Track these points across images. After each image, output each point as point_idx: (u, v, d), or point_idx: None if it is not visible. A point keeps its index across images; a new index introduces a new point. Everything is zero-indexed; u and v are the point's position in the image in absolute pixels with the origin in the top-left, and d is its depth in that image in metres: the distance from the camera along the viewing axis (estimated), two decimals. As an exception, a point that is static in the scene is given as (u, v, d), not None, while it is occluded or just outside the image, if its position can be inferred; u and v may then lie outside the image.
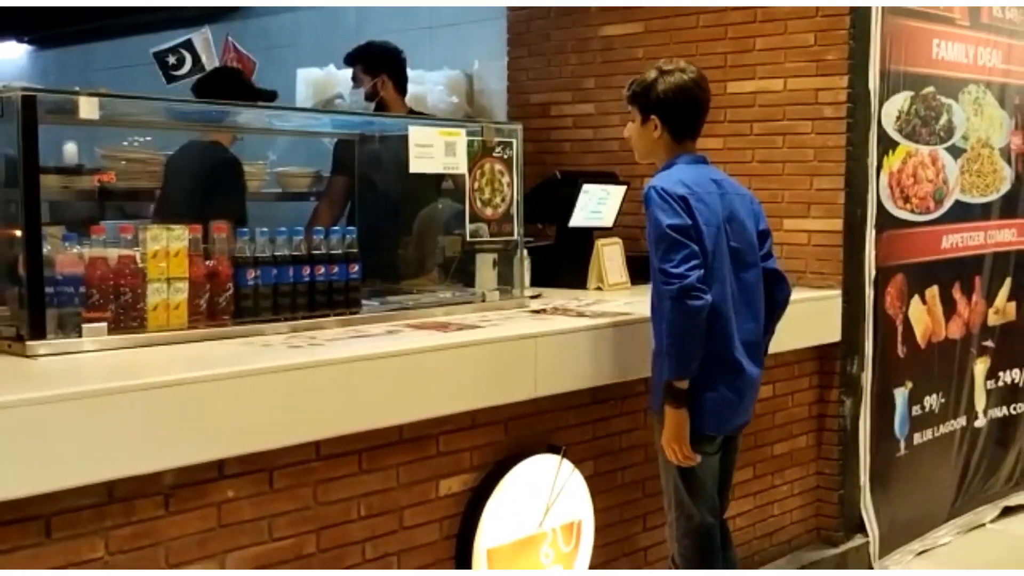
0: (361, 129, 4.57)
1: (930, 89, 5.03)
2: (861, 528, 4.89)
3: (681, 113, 3.45)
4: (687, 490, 3.45)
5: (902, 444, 5.05)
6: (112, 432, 2.46)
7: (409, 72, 5.90)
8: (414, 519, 3.28)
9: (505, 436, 3.53)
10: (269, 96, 4.85)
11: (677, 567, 3.55)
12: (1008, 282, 5.64)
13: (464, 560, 3.38)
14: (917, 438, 5.13)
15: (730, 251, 3.42)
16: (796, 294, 4.43)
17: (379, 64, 5.19)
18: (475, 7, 6.13)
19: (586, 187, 4.84)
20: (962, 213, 5.27)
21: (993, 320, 5.57)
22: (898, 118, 4.88)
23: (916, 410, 5.11)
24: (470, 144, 3.87)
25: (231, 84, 4.77)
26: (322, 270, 3.42)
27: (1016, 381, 5.76)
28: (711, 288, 3.28)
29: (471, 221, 3.91)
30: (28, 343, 2.82)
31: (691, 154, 3.50)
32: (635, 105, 3.51)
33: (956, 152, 5.23)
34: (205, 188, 4.43)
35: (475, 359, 3.28)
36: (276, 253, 3.33)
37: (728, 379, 3.40)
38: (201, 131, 4.53)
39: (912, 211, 5.01)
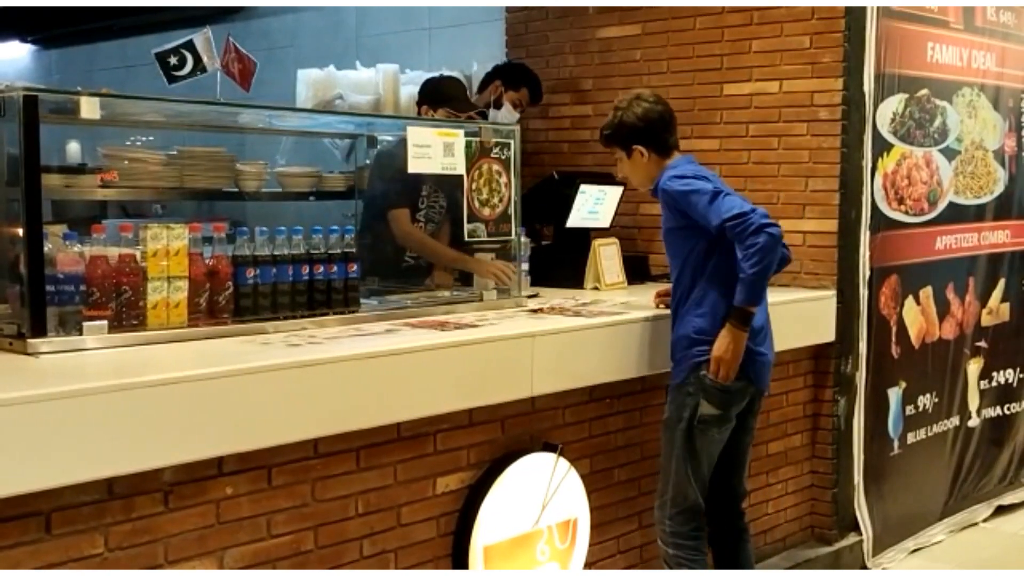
0: (365, 130, 4.56)
1: (924, 91, 5.06)
2: (855, 527, 4.92)
3: (656, 131, 3.68)
4: (689, 469, 3.60)
5: (896, 443, 5.08)
6: (112, 429, 2.49)
7: (408, 73, 5.94)
8: (411, 516, 3.31)
9: (502, 434, 3.56)
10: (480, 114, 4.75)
11: (665, 545, 3.68)
12: (1001, 283, 5.67)
13: (461, 557, 3.41)
14: (911, 437, 5.16)
15: None
16: (791, 294, 4.49)
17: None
18: (474, 8, 6.16)
19: (583, 188, 4.86)
20: (956, 214, 5.30)
21: (986, 321, 5.59)
22: (892, 120, 4.90)
23: (910, 410, 5.14)
24: (468, 145, 3.89)
25: (453, 93, 4.74)
26: (321, 269, 3.45)
27: (1010, 381, 5.78)
28: None
29: (469, 221, 3.94)
30: (29, 341, 2.84)
31: (682, 154, 3.73)
32: (615, 145, 3.74)
33: (950, 154, 5.25)
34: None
35: (473, 358, 3.30)
36: (275, 252, 3.35)
37: (762, 339, 3.64)
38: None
39: (906, 212, 5.03)
